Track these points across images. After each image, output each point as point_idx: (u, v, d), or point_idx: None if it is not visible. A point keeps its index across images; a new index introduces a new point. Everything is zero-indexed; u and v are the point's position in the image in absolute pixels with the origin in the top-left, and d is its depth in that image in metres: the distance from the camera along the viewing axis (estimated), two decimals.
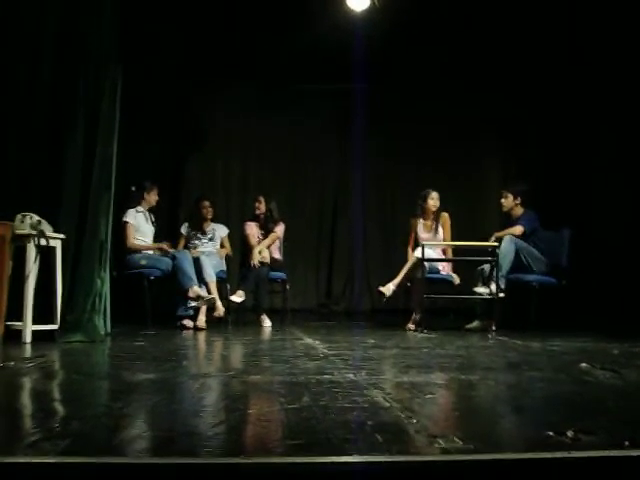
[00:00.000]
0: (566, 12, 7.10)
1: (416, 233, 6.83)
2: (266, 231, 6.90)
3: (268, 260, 6.61)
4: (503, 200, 6.55)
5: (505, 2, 7.20)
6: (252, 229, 6.91)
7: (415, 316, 6.24)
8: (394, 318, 6.94)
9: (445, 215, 6.78)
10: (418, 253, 6.37)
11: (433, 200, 6.74)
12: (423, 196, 6.79)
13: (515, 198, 6.49)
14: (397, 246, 8.53)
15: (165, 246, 6.40)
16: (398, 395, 2.52)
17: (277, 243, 7.03)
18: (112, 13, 5.06)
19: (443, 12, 7.42)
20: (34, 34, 4.95)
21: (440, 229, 6.77)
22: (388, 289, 6.35)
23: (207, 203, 6.93)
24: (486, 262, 6.35)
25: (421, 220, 6.82)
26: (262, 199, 6.96)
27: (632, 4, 6.45)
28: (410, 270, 6.42)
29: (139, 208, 6.47)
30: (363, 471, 1.61)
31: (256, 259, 6.56)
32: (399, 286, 6.42)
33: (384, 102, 9.00)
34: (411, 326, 6.13)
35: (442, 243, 6.73)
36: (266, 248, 6.71)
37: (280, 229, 6.98)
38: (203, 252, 6.58)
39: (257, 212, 6.93)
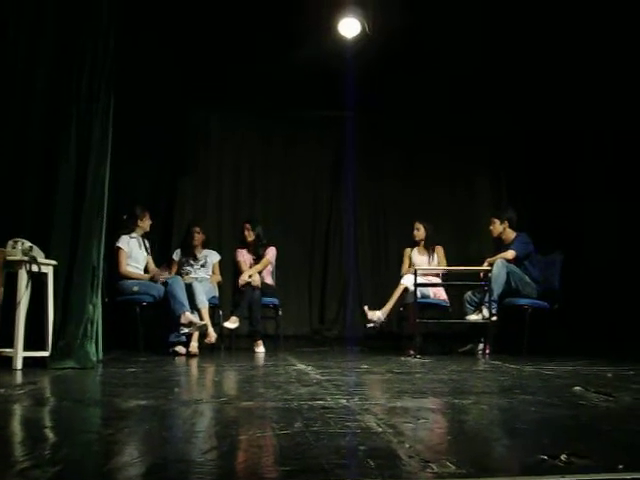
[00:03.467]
0: (557, 33, 7.17)
1: (410, 260, 6.90)
2: (257, 256, 6.91)
3: (258, 284, 6.60)
4: (491, 227, 6.61)
5: (495, 26, 7.28)
6: (243, 256, 6.92)
7: (415, 341, 6.22)
8: (387, 343, 6.94)
9: (439, 248, 6.92)
10: (405, 281, 6.44)
11: (418, 231, 6.90)
12: (411, 225, 6.96)
13: (502, 222, 6.53)
14: (390, 271, 8.56)
15: (157, 276, 6.33)
16: (391, 420, 2.51)
17: (269, 268, 7.04)
18: (106, 34, 5.09)
19: (434, 38, 7.50)
20: (27, 54, 4.97)
21: (435, 257, 6.88)
22: (374, 315, 6.38)
23: (197, 229, 6.93)
24: (477, 287, 6.37)
25: (415, 248, 6.95)
26: (249, 226, 6.98)
27: (622, 26, 6.55)
28: (399, 298, 6.46)
29: (132, 234, 6.46)
30: None
31: (244, 279, 6.55)
32: (388, 315, 6.46)
33: (376, 128, 9.09)
34: (412, 352, 6.07)
35: (435, 268, 6.78)
36: (257, 273, 6.71)
37: (271, 254, 6.99)
38: (195, 278, 6.57)
39: (248, 240, 6.95)
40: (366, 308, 6.53)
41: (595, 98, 7.24)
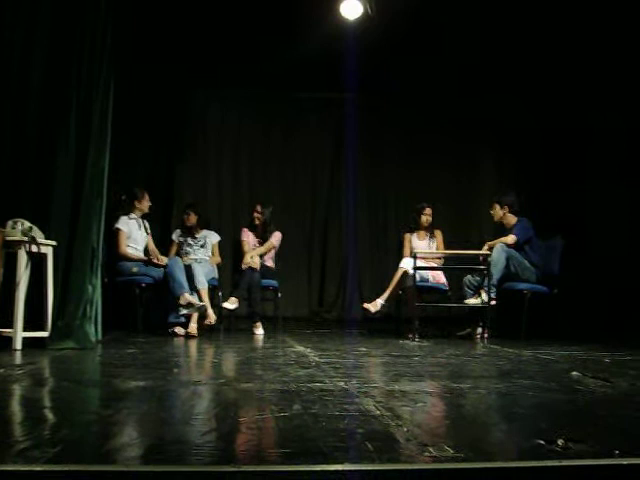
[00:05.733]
0: (563, 18, 7.13)
1: (410, 244, 6.88)
2: (263, 240, 6.91)
3: (258, 266, 6.59)
4: (492, 211, 6.60)
5: (499, 9, 7.24)
6: (248, 236, 6.92)
7: (414, 325, 6.20)
8: (386, 326, 6.95)
9: (438, 232, 6.91)
10: (404, 264, 6.44)
11: (426, 216, 6.88)
12: (418, 210, 6.91)
13: (502, 207, 6.52)
14: (389, 254, 8.56)
15: (155, 260, 6.33)
16: (389, 403, 2.52)
17: (272, 251, 7.03)
18: (105, 19, 5.06)
19: (437, 20, 7.45)
20: (25, 39, 4.94)
21: (435, 241, 6.87)
22: (375, 305, 6.41)
23: (188, 210, 6.92)
24: (477, 271, 6.38)
25: (415, 233, 6.93)
26: (260, 209, 6.97)
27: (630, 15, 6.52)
28: (399, 281, 6.46)
29: (132, 215, 6.45)
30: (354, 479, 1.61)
31: (247, 261, 6.55)
32: (388, 300, 6.46)
33: (378, 111, 9.06)
34: (411, 335, 6.07)
35: (435, 252, 6.78)
36: (257, 255, 6.70)
37: (277, 238, 6.98)
38: (195, 259, 6.58)
39: (257, 222, 6.94)
40: (365, 305, 6.54)
41: (603, 83, 7.21)
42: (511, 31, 7.52)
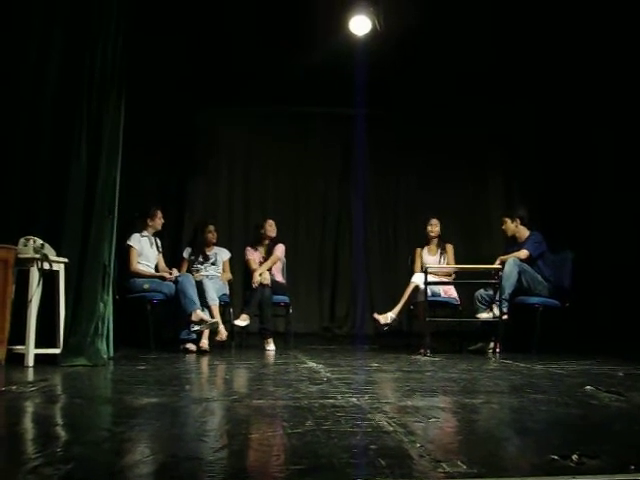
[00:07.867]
0: (568, 31, 7.14)
1: (421, 258, 6.87)
2: (267, 254, 6.92)
3: (269, 282, 6.60)
4: (503, 227, 6.61)
5: (510, 23, 7.25)
6: (252, 254, 6.93)
7: (425, 340, 6.15)
8: (397, 341, 6.93)
9: (449, 247, 6.89)
10: (415, 279, 6.42)
11: (431, 226, 6.88)
12: (423, 222, 6.92)
13: (513, 221, 6.52)
14: (399, 270, 8.54)
15: (167, 275, 6.35)
16: (401, 419, 2.51)
17: (279, 265, 7.04)
18: (116, 35, 5.10)
19: (446, 35, 7.47)
20: (38, 56, 4.99)
21: (445, 256, 6.85)
22: (386, 317, 6.37)
23: (212, 228, 6.94)
24: (488, 285, 6.36)
25: (425, 247, 6.92)
26: (273, 222, 7.00)
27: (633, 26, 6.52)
28: (410, 296, 6.44)
29: (144, 232, 6.48)
30: None
31: (256, 280, 6.56)
32: (399, 313, 6.43)
33: (387, 126, 9.07)
34: (422, 350, 6.03)
35: (446, 267, 6.76)
36: (267, 270, 6.70)
37: (280, 250, 6.99)
38: (206, 276, 6.58)
39: (270, 234, 6.95)
40: (376, 315, 6.50)
41: (610, 97, 7.21)
42: (519, 47, 7.52)
